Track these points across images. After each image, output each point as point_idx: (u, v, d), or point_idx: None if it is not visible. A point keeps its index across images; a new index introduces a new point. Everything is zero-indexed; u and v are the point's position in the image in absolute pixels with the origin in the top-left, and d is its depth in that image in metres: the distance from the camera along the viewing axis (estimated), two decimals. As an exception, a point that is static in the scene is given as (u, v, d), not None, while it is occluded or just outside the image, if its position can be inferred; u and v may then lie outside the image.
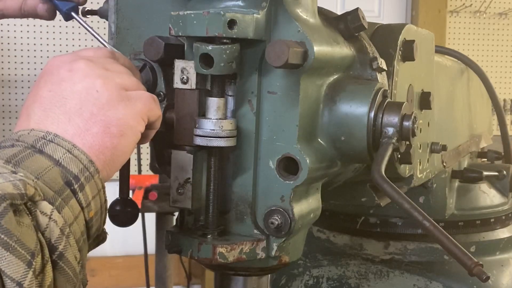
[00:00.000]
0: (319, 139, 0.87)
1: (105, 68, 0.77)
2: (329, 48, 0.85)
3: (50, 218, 0.64)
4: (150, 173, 2.91)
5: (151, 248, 3.47)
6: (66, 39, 4.02)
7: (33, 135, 0.70)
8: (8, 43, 3.98)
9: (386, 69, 0.94)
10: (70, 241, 0.66)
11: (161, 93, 0.88)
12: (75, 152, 0.70)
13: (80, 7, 1.01)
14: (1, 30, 3.95)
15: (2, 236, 0.59)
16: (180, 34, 0.81)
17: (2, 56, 3.98)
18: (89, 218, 0.71)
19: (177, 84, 0.83)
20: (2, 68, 3.99)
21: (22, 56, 4.00)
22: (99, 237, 0.76)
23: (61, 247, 0.65)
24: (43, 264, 0.62)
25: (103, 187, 0.73)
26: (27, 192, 0.63)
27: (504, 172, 1.38)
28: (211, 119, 0.81)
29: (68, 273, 0.66)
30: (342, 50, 0.89)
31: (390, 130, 0.86)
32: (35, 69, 4.01)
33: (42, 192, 0.65)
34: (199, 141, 0.81)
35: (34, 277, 0.61)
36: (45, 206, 0.65)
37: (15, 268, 0.59)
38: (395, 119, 0.86)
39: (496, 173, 1.38)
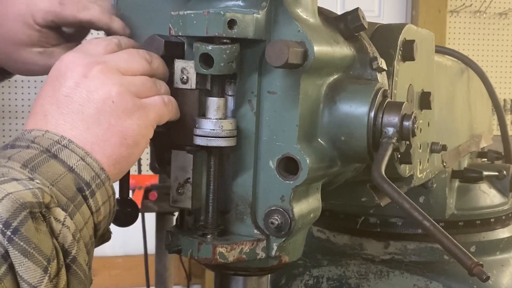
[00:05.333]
0: (319, 139, 0.87)
1: (120, 72, 0.77)
2: (329, 48, 0.85)
3: (63, 224, 0.67)
4: (150, 173, 2.91)
5: (151, 248, 3.47)
6: (66, 39, 4.01)
7: (48, 138, 0.72)
8: (8, 43, 3.97)
9: (386, 69, 0.94)
10: (80, 245, 0.68)
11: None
12: (88, 160, 0.72)
13: None
14: (1, 30, 3.94)
15: (21, 244, 0.62)
16: (180, 34, 0.81)
17: (2, 56, 3.97)
18: (98, 222, 0.73)
19: (177, 84, 0.83)
20: (2, 68, 3.98)
21: (22, 56, 3.99)
22: (104, 236, 0.78)
23: (73, 251, 0.67)
24: (58, 268, 0.65)
25: (113, 193, 0.76)
26: (44, 200, 0.65)
27: (504, 172, 1.38)
28: (211, 119, 0.81)
29: (80, 276, 0.68)
30: (342, 50, 0.89)
31: (390, 130, 0.86)
32: (35, 69, 4.00)
33: (56, 199, 0.67)
34: (199, 141, 0.81)
35: (49, 281, 0.63)
36: (59, 213, 0.67)
37: (32, 273, 0.62)
38: (395, 119, 0.86)
39: (496, 173, 1.38)
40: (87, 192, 0.71)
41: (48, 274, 0.63)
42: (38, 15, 0.89)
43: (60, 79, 0.76)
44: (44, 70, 0.93)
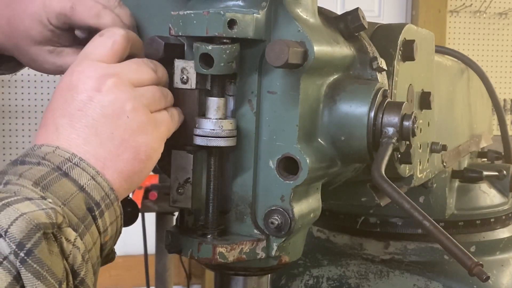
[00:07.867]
0: (319, 139, 0.87)
1: (132, 85, 0.77)
2: (329, 48, 0.85)
3: (73, 245, 0.66)
4: (150, 173, 2.91)
5: (151, 248, 3.47)
6: (66, 39, 4.01)
7: (59, 155, 0.71)
8: (8, 43, 3.97)
9: (386, 69, 0.94)
10: (89, 267, 0.68)
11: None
12: (98, 179, 0.72)
13: None
14: (1, 30, 3.94)
15: (35, 266, 0.61)
16: (180, 34, 0.81)
17: (2, 56, 3.97)
18: (104, 242, 0.72)
19: (177, 84, 0.83)
20: (2, 68, 3.98)
21: (22, 56, 3.99)
22: (108, 256, 0.77)
23: (82, 273, 0.67)
24: None
25: (121, 214, 0.75)
26: (57, 221, 0.65)
27: (504, 172, 1.38)
28: (211, 119, 0.81)
29: None
30: (342, 50, 0.89)
31: (390, 130, 0.86)
32: (35, 69, 4.00)
33: (68, 219, 0.67)
34: (199, 141, 0.81)
35: None
36: (70, 233, 0.66)
37: None
38: (395, 119, 0.86)
39: (496, 173, 1.38)
40: (96, 212, 0.70)
41: None
42: (52, 16, 0.89)
43: (72, 92, 0.75)
44: (52, 69, 0.93)
